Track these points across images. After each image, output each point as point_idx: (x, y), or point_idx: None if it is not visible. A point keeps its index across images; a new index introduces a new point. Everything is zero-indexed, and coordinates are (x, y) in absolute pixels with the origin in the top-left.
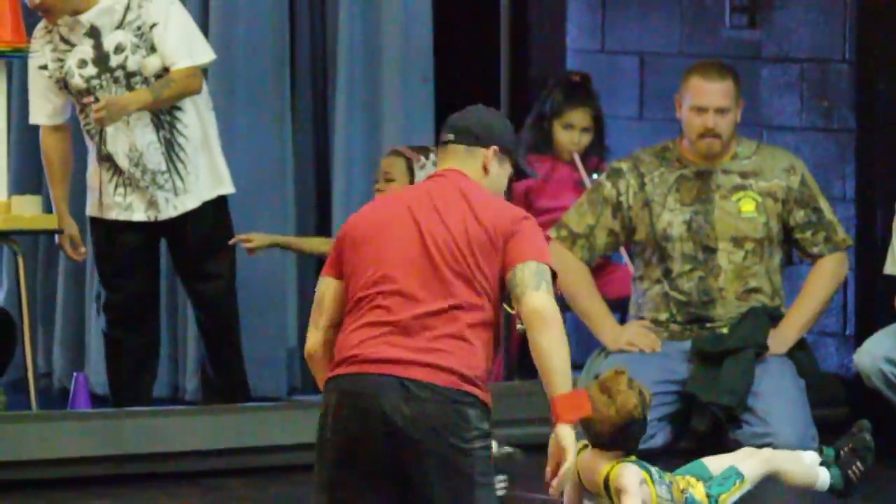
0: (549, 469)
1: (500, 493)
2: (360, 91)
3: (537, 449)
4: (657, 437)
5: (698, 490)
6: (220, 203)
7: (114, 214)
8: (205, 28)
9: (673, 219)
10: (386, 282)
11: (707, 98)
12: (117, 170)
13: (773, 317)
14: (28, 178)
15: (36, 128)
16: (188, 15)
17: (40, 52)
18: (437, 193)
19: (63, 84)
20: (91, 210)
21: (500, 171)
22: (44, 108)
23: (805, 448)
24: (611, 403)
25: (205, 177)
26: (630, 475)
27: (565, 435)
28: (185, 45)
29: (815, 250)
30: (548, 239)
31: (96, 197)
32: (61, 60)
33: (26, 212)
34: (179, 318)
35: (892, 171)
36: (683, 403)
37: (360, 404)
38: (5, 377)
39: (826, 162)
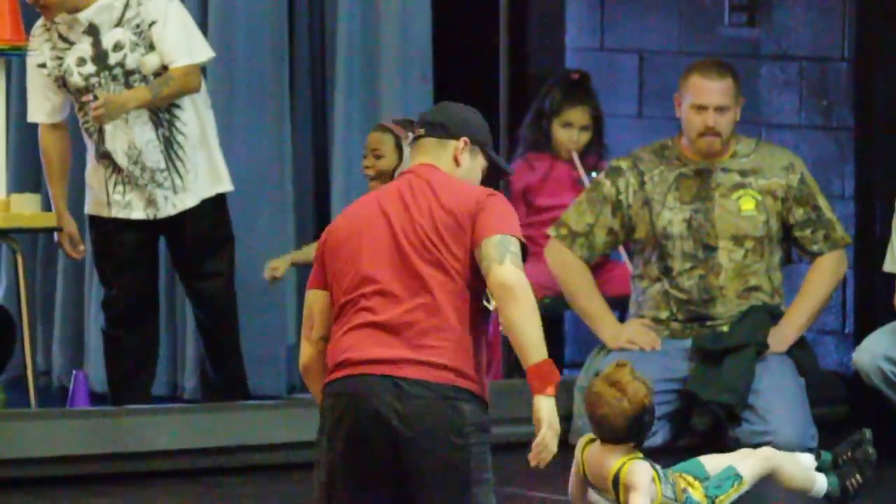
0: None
1: None
2: (359, 89)
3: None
4: (657, 435)
5: (697, 491)
6: (219, 201)
7: (113, 212)
8: (204, 26)
9: (673, 217)
10: (367, 283)
11: (707, 96)
12: (116, 168)
13: (773, 315)
14: (27, 176)
15: (35, 126)
16: (187, 13)
17: (39, 50)
18: (406, 188)
19: (62, 82)
20: (90, 208)
21: (473, 164)
22: (42, 107)
23: (804, 446)
24: (622, 396)
25: (203, 175)
26: (643, 472)
27: (539, 406)
28: (184, 44)
29: (815, 248)
30: (547, 237)
31: (95, 195)
32: (60, 58)
33: (25, 210)
34: (179, 317)
35: (891, 169)
36: (684, 402)
37: (354, 405)
38: (4, 375)
39: (825, 160)
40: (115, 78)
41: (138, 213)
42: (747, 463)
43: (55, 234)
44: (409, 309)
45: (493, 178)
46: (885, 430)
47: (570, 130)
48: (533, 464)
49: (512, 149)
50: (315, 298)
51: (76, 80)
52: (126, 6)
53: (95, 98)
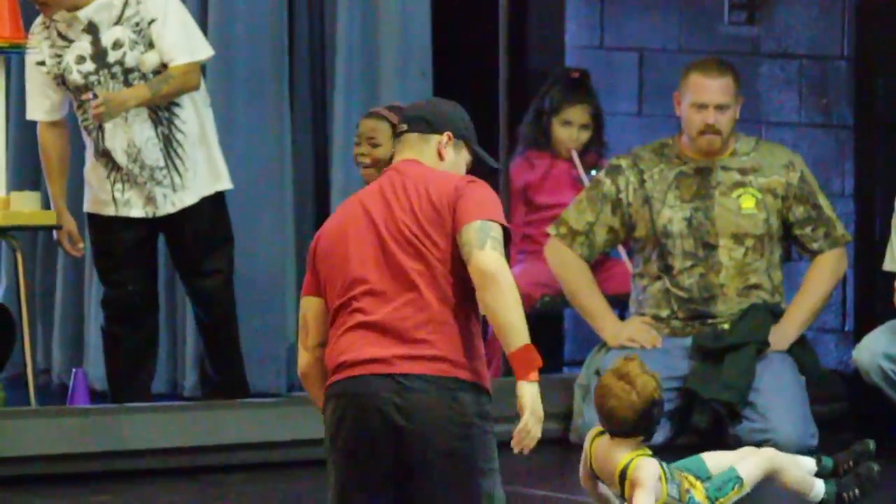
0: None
1: None
2: (359, 87)
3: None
4: (658, 433)
5: (699, 491)
6: (218, 199)
7: (112, 210)
8: (203, 24)
9: (673, 215)
10: (356, 285)
11: (707, 94)
12: (115, 166)
13: (774, 313)
14: (27, 174)
15: (35, 124)
16: (186, 11)
17: (38, 47)
18: (388, 186)
19: (61, 80)
20: (89, 206)
21: (457, 158)
22: (41, 105)
23: (805, 444)
24: (631, 389)
25: (203, 173)
26: (650, 470)
27: (522, 392)
28: (184, 42)
29: (815, 246)
30: (547, 236)
31: (94, 193)
32: (59, 56)
33: (25, 208)
34: (178, 314)
35: (891, 167)
36: (684, 400)
37: (354, 405)
38: (4, 373)
39: (825, 158)
40: (114, 76)
41: (137, 211)
42: (748, 465)
43: (54, 232)
44: (398, 306)
45: (478, 172)
46: (885, 426)
47: (570, 129)
48: (516, 450)
49: (511, 147)
50: (309, 305)
51: (75, 78)
52: (125, 4)
53: (95, 96)
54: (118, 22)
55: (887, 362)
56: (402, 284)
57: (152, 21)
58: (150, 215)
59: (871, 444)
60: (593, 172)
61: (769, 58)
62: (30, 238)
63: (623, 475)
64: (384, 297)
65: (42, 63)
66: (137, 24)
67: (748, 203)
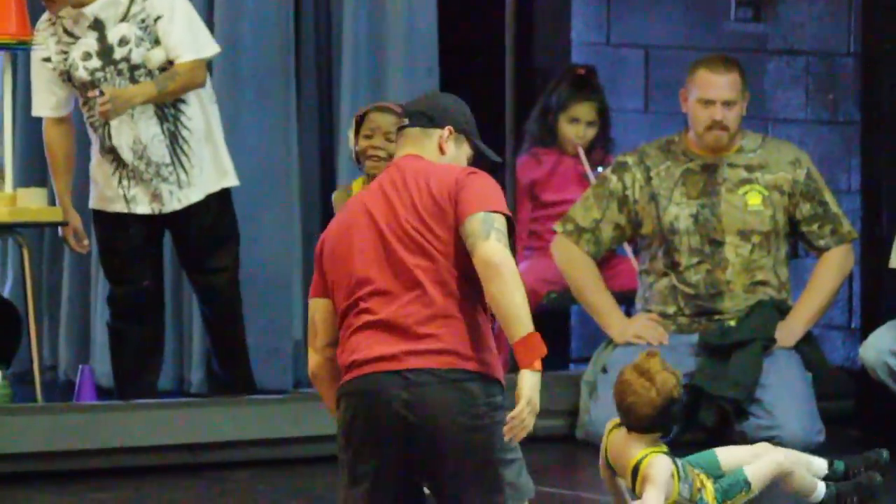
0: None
1: None
2: (365, 84)
3: (543, 441)
4: None
5: (709, 491)
6: (224, 196)
7: (118, 207)
8: (210, 22)
9: (679, 212)
10: (362, 286)
11: (714, 91)
12: (121, 162)
13: (781, 310)
14: (33, 170)
15: (41, 120)
16: (192, 8)
17: (44, 44)
18: (388, 183)
19: (67, 76)
20: (95, 203)
21: (458, 153)
22: (47, 101)
23: (811, 441)
24: (650, 386)
25: (209, 169)
26: (663, 467)
27: (522, 381)
28: (190, 38)
29: (822, 243)
30: (553, 233)
31: (100, 190)
32: (65, 53)
33: (32, 204)
34: (185, 311)
35: None
36: (691, 396)
37: (365, 403)
38: (11, 369)
39: (831, 155)
40: (120, 73)
41: (143, 207)
42: (757, 469)
43: (59, 229)
44: (404, 304)
45: (480, 167)
46: (892, 425)
47: (577, 126)
48: (507, 438)
49: (518, 144)
50: (316, 307)
51: (81, 74)
52: (132, 1)
53: (101, 93)
54: (124, 18)
55: (893, 359)
56: (406, 282)
57: (158, 18)
58: (156, 212)
59: (885, 455)
60: (600, 169)
61: (775, 55)
62: (36, 234)
63: (636, 470)
64: (390, 295)
65: (48, 59)
66: (143, 21)
67: (755, 200)
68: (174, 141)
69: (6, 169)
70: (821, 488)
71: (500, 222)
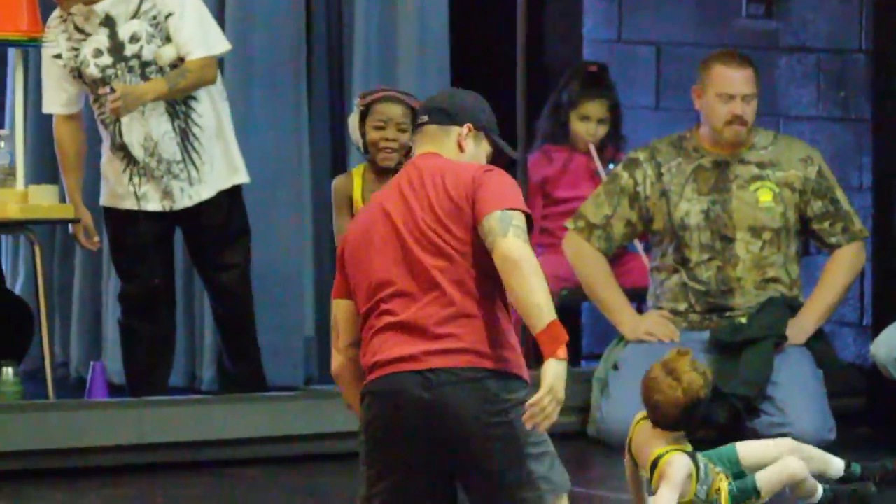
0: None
1: None
2: (377, 81)
3: (554, 437)
4: None
5: (724, 494)
6: (235, 192)
7: (128, 204)
8: (221, 18)
9: (690, 208)
10: (382, 288)
11: (734, 85)
12: (132, 159)
13: (792, 307)
14: (44, 167)
15: (52, 117)
16: (203, 5)
17: (55, 41)
18: (405, 183)
19: (77, 73)
20: (105, 200)
21: (478, 150)
22: (58, 98)
23: (823, 438)
24: (677, 385)
25: (220, 166)
26: (680, 467)
27: (545, 369)
28: (201, 35)
29: (833, 240)
30: (565, 230)
31: (111, 187)
32: (76, 50)
33: (43, 201)
34: (196, 308)
35: None
36: None
37: (387, 403)
38: (22, 366)
39: (843, 152)
40: (131, 70)
41: (154, 204)
42: (769, 477)
43: (70, 226)
44: (423, 305)
45: (498, 163)
46: None
47: (588, 123)
48: (529, 425)
49: (529, 140)
50: (338, 308)
51: (92, 71)
52: None
53: (112, 90)
54: (135, 15)
55: None
56: (425, 283)
57: (169, 15)
58: (168, 209)
59: None
60: (611, 166)
61: (787, 51)
62: (48, 231)
63: (654, 466)
64: (410, 297)
65: (59, 56)
66: (154, 18)
67: (766, 196)
68: (185, 138)
69: (17, 166)
70: (819, 491)
71: (518, 219)
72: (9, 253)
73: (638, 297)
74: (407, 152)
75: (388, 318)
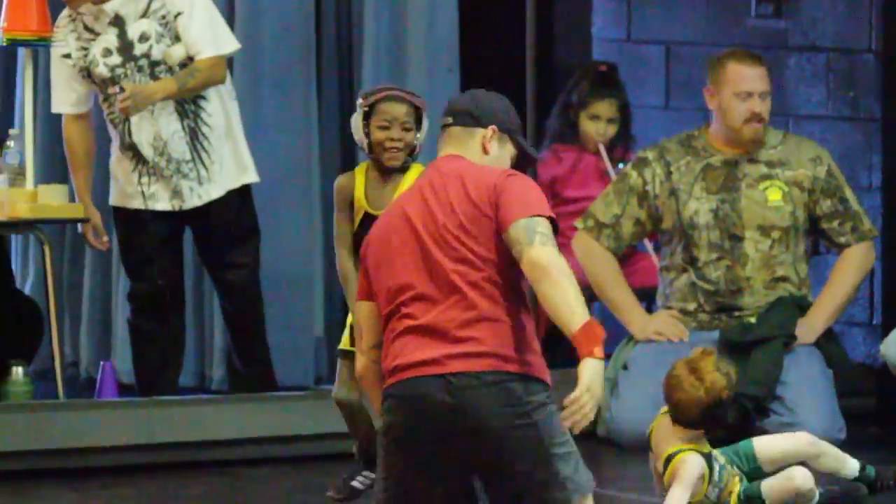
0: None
1: (360, 486)
2: (386, 79)
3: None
4: None
5: (733, 499)
6: (245, 192)
7: (138, 204)
8: (231, 18)
9: (699, 207)
10: (403, 291)
11: (752, 83)
12: (141, 159)
13: (801, 306)
14: (54, 167)
15: (62, 117)
16: (213, 4)
17: (64, 40)
18: (427, 187)
19: (86, 73)
20: (115, 199)
21: (502, 152)
22: (67, 97)
23: (833, 438)
24: (699, 385)
25: (229, 166)
26: (693, 467)
27: (582, 368)
28: (210, 35)
29: (842, 240)
30: (574, 230)
31: (120, 186)
32: (85, 49)
33: (53, 201)
34: (206, 308)
35: None
36: None
37: (410, 407)
38: (32, 366)
39: (852, 151)
40: (140, 69)
41: (164, 204)
42: (776, 487)
43: (79, 226)
44: (444, 309)
45: (522, 165)
46: None
47: (598, 123)
48: (567, 424)
49: (539, 140)
50: (361, 310)
51: (102, 70)
52: None
53: (122, 89)
54: (144, 15)
55: None
56: (445, 287)
57: (178, 14)
58: (177, 208)
59: None
60: (621, 166)
61: (796, 51)
62: (57, 231)
63: (668, 462)
64: (430, 300)
65: (68, 56)
66: (164, 18)
67: (775, 195)
68: (194, 137)
69: (27, 166)
70: (817, 496)
71: (543, 226)
72: (18, 252)
73: (647, 297)
74: (412, 151)
75: (408, 322)
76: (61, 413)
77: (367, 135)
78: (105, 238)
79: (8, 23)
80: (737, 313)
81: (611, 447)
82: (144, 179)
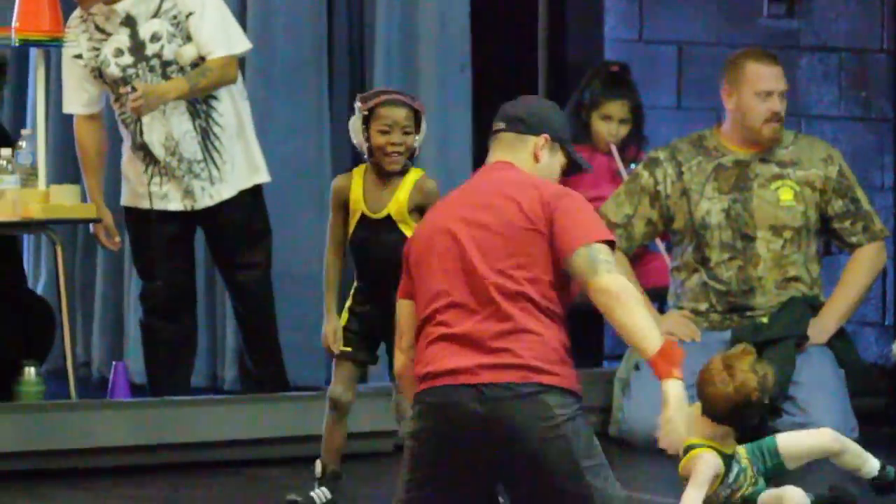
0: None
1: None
2: (398, 79)
3: None
4: None
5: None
6: (256, 192)
7: (149, 204)
8: (242, 17)
9: (711, 207)
10: (440, 297)
11: (771, 82)
12: (153, 159)
13: (813, 306)
14: (66, 167)
15: (73, 117)
16: (224, 4)
17: (75, 41)
18: (475, 191)
19: (98, 73)
20: (126, 200)
21: (552, 161)
22: (79, 98)
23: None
24: (730, 381)
25: (240, 166)
26: (707, 466)
27: (666, 390)
28: (221, 35)
29: (854, 240)
30: None
31: (132, 187)
32: (97, 49)
33: (65, 201)
34: (218, 308)
35: None
36: None
37: (441, 416)
38: (45, 366)
39: (864, 151)
40: (152, 69)
41: (175, 204)
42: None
43: (91, 226)
44: (480, 319)
45: (569, 174)
46: None
47: (610, 123)
48: (662, 445)
49: None
50: (402, 308)
51: (113, 71)
52: None
53: (134, 89)
54: (156, 15)
55: None
56: (482, 297)
57: (190, 14)
58: (189, 208)
59: None
60: (633, 166)
61: (808, 51)
62: (70, 231)
63: (686, 451)
64: (466, 309)
65: (79, 56)
66: (175, 17)
67: (787, 195)
68: (206, 137)
69: (39, 166)
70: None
71: (604, 252)
72: (31, 253)
73: (659, 297)
74: (412, 154)
75: (442, 329)
76: (73, 413)
77: (367, 139)
78: (117, 238)
79: (20, 23)
80: (749, 313)
81: (623, 447)
82: (156, 179)
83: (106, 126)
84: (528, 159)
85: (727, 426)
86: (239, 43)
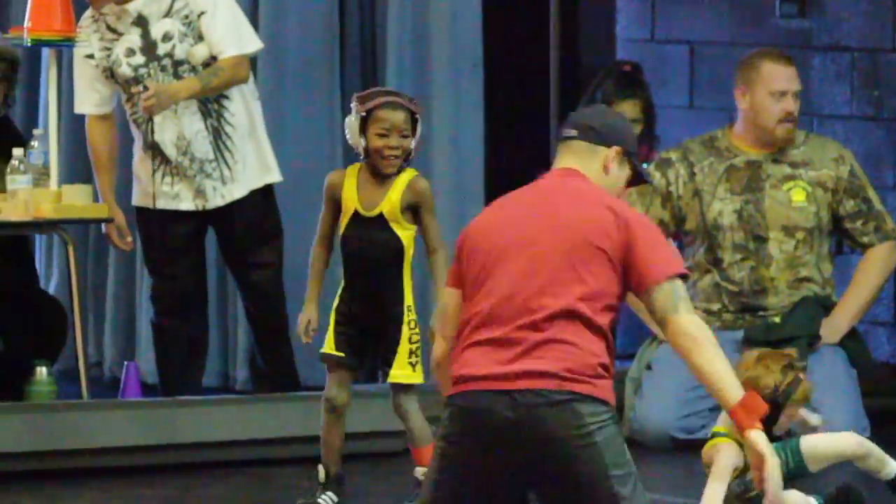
0: (755, 478)
1: None
2: (410, 78)
3: None
4: (707, 427)
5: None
6: (268, 192)
7: (161, 204)
8: (254, 17)
9: (723, 208)
10: (483, 300)
11: (787, 82)
12: (164, 159)
13: (825, 306)
14: (78, 167)
15: (85, 117)
16: (236, 4)
17: (87, 41)
18: (540, 196)
19: (110, 73)
20: (138, 199)
21: (619, 174)
22: (90, 98)
23: None
24: (756, 376)
25: (252, 165)
26: (727, 458)
27: (755, 441)
28: (233, 34)
29: (865, 240)
30: None
31: (143, 186)
32: (108, 49)
33: (77, 201)
34: (230, 308)
35: None
36: None
37: (473, 421)
38: (56, 366)
39: (876, 151)
40: (163, 69)
41: (187, 204)
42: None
43: (103, 226)
44: (520, 326)
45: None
46: None
47: None
48: (759, 489)
49: None
50: (450, 297)
51: (125, 70)
52: None
53: (146, 88)
54: (167, 14)
55: None
56: (529, 306)
57: (202, 14)
58: (200, 208)
59: None
60: (645, 167)
61: (820, 51)
62: (82, 231)
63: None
64: (507, 316)
65: (91, 56)
66: (187, 17)
67: (799, 196)
68: (217, 137)
69: (51, 166)
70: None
71: (683, 290)
72: (42, 253)
73: None
74: (407, 156)
75: (483, 333)
76: (85, 413)
77: (364, 139)
78: (129, 238)
79: (32, 23)
80: (761, 313)
81: (635, 447)
82: (167, 179)
83: (117, 126)
84: (597, 170)
85: None
86: (250, 42)
